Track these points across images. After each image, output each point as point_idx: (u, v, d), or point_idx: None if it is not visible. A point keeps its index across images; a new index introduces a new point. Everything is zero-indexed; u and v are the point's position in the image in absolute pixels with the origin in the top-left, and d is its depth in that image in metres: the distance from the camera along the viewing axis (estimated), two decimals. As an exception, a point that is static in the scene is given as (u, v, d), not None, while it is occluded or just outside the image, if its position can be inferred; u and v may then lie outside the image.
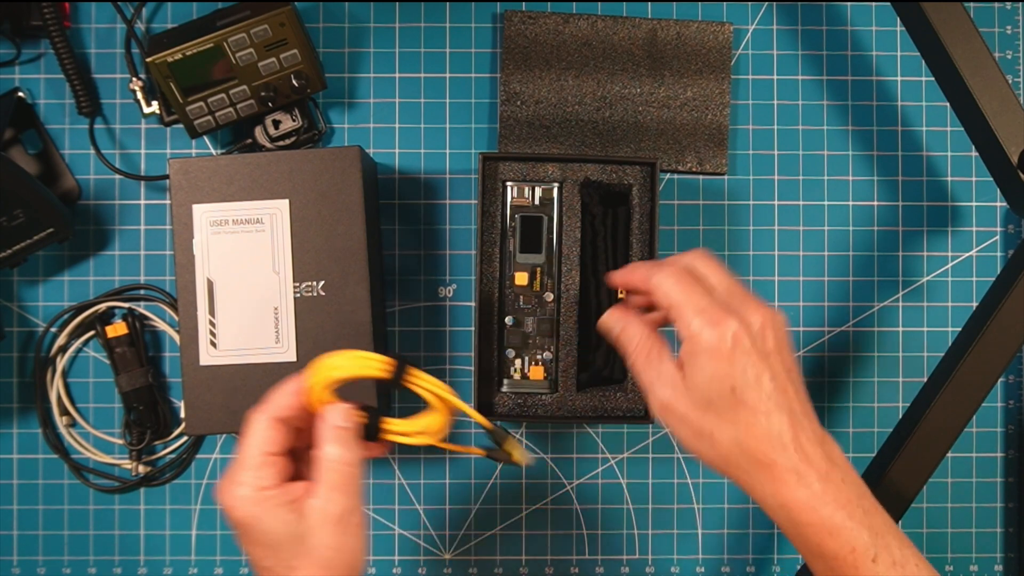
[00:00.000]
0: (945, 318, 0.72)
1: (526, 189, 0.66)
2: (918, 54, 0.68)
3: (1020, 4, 0.72)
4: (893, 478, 0.60)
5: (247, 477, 0.49)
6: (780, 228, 0.72)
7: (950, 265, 0.72)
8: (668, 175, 0.71)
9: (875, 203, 0.72)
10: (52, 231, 0.65)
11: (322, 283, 0.62)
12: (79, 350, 0.70)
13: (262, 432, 0.50)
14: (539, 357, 0.66)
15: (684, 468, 0.72)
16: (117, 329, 0.69)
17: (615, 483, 0.71)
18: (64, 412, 0.70)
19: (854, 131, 0.72)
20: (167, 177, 0.65)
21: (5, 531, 0.70)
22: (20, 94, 0.69)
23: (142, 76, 0.68)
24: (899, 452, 0.60)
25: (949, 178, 0.72)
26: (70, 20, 0.69)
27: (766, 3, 0.72)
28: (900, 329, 0.72)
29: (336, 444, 0.50)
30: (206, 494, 0.71)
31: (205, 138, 0.70)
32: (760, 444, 0.49)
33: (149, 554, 0.71)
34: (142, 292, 0.70)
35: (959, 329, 0.64)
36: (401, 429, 0.53)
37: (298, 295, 0.62)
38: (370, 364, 0.51)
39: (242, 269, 0.62)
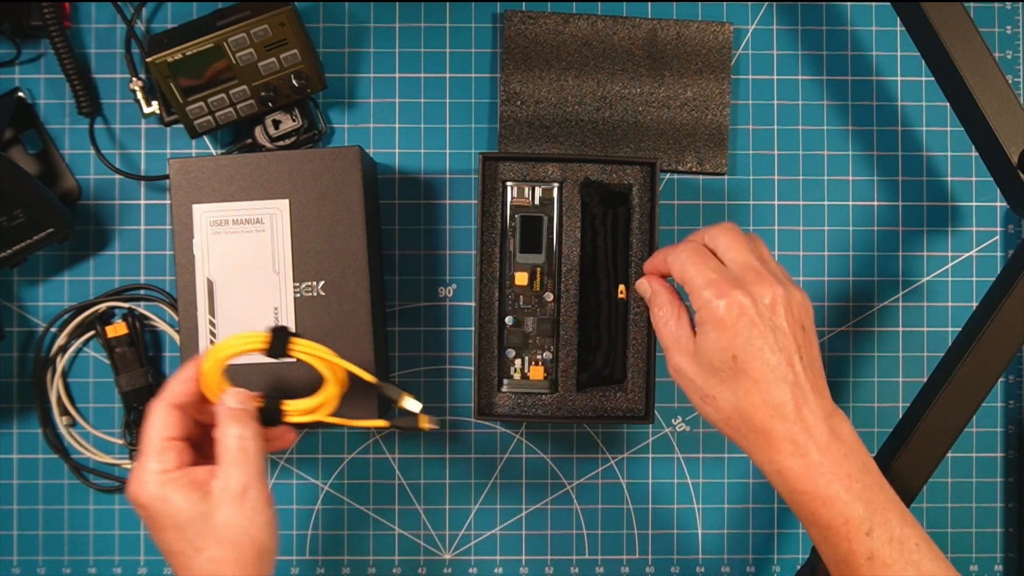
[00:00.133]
0: (945, 318, 0.72)
1: (526, 189, 0.66)
2: (918, 54, 0.68)
3: (1020, 4, 0.72)
4: (893, 478, 0.60)
5: (150, 463, 0.52)
6: (780, 228, 0.72)
7: (950, 265, 0.72)
8: (668, 175, 0.71)
9: (875, 203, 0.72)
10: (52, 231, 0.65)
11: (322, 283, 0.62)
12: (79, 350, 0.70)
13: (161, 419, 0.53)
14: (539, 357, 0.66)
15: (684, 468, 0.72)
16: (117, 329, 0.69)
17: (615, 483, 0.71)
18: (64, 412, 0.70)
19: (854, 131, 0.72)
20: (167, 177, 0.65)
21: (5, 531, 0.70)
22: (20, 94, 0.69)
23: (142, 76, 0.68)
24: (899, 452, 0.60)
25: (949, 178, 0.72)
26: (70, 20, 0.69)
27: (766, 3, 0.72)
28: (900, 329, 0.72)
29: (232, 423, 0.52)
30: (206, 494, 0.71)
31: (205, 138, 0.70)
32: (758, 412, 0.51)
33: (149, 554, 0.71)
34: (142, 292, 0.70)
35: (959, 329, 0.64)
36: (299, 408, 0.55)
37: (298, 295, 0.62)
38: (250, 339, 0.54)
39: (242, 269, 0.62)
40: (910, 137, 0.72)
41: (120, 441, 0.70)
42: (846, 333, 0.72)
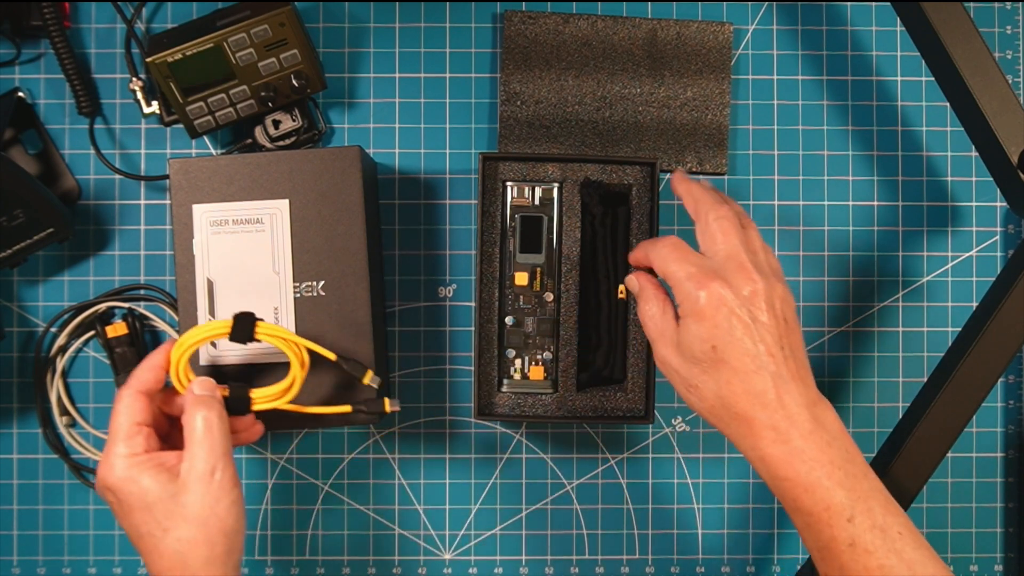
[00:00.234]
0: (945, 318, 0.72)
1: (526, 189, 0.66)
2: (918, 54, 0.68)
3: (1020, 4, 0.72)
4: (893, 478, 0.60)
5: (118, 448, 0.53)
6: (780, 228, 0.72)
7: (950, 265, 0.72)
8: (668, 175, 0.71)
9: (875, 203, 0.72)
10: (52, 231, 0.65)
11: (322, 283, 0.62)
12: (79, 350, 0.70)
13: (128, 405, 0.55)
14: (539, 357, 0.66)
15: (684, 468, 0.72)
16: (117, 329, 0.69)
17: (615, 483, 0.71)
18: (64, 412, 0.70)
19: (854, 131, 0.72)
20: (167, 177, 0.65)
21: (5, 531, 0.70)
22: (20, 94, 0.69)
23: (142, 76, 0.68)
24: (899, 452, 0.60)
25: (949, 178, 0.72)
26: (70, 20, 0.69)
27: (766, 3, 0.72)
28: (900, 329, 0.72)
29: (198, 407, 0.54)
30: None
31: (205, 138, 0.70)
32: (739, 400, 0.52)
33: (149, 554, 0.71)
34: (142, 292, 0.70)
35: (959, 329, 0.64)
36: (266, 394, 0.58)
37: (298, 295, 0.62)
38: (215, 327, 0.57)
39: (242, 269, 0.62)
40: (910, 137, 0.72)
41: (120, 441, 0.70)
42: (846, 333, 0.72)
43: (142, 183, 0.71)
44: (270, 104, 0.66)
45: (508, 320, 0.66)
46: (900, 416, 0.64)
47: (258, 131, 0.68)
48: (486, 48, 0.71)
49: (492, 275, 0.66)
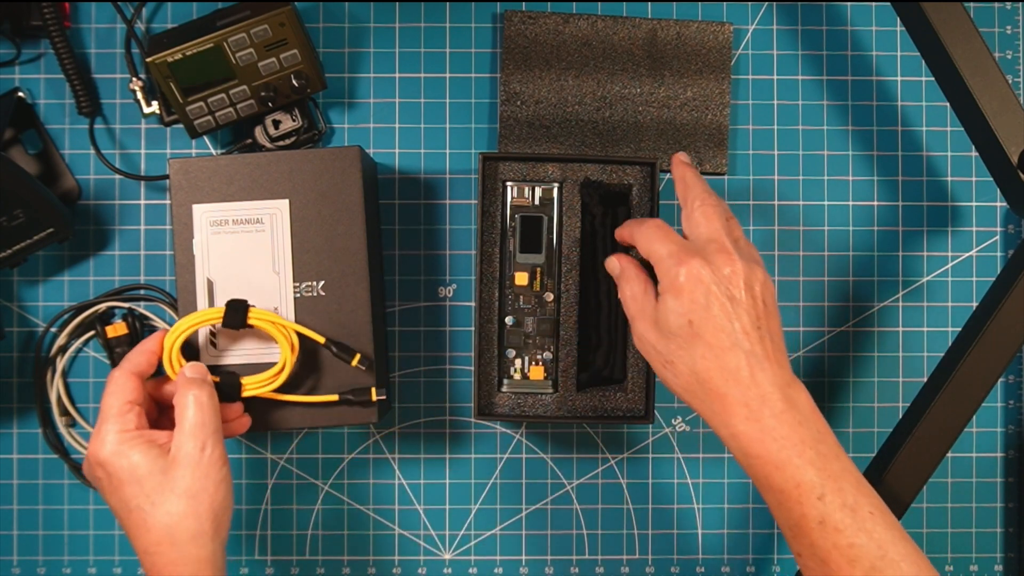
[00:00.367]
0: (945, 318, 0.72)
1: (526, 189, 0.66)
2: (918, 54, 0.68)
3: (1020, 4, 0.72)
4: (893, 478, 0.60)
5: (110, 425, 0.55)
6: (780, 228, 0.72)
7: (950, 265, 0.72)
8: (668, 175, 0.71)
9: (875, 203, 0.72)
10: (52, 231, 0.65)
11: (322, 283, 0.62)
12: (79, 350, 0.70)
13: (121, 385, 0.56)
14: (539, 357, 0.66)
15: (684, 468, 0.72)
16: (117, 329, 0.69)
17: (615, 483, 0.71)
18: (64, 412, 0.70)
19: (854, 131, 0.72)
20: (167, 177, 0.65)
21: (5, 531, 0.70)
22: (20, 94, 0.69)
23: (142, 76, 0.68)
24: (899, 452, 0.60)
25: (949, 178, 0.72)
26: (70, 20, 0.69)
27: (766, 3, 0.72)
28: (900, 329, 0.72)
29: (189, 387, 0.56)
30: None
31: (205, 138, 0.70)
32: (713, 376, 0.53)
33: (149, 554, 0.71)
34: (142, 292, 0.70)
35: (959, 329, 0.64)
36: (256, 380, 0.60)
37: (298, 295, 0.62)
38: (208, 314, 0.59)
39: (242, 269, 0.62)
40: (910, 137, 0.72)
41: (120, 441, 0.70)
42: (846, 333, 0.72)
43: (142, 183, 0.71)
44: (270, 104, 0.66)
45: (508, 320, 0.66)
46: (900, 416, 0.64)
47: (258, 131, 0.68)
48: (486, 48, 0.71)
49: (492, 275, 0.66)
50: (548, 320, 0.66)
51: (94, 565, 0.71)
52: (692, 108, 0.70)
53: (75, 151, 0.70)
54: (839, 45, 0.72)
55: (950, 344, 0.63)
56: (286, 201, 0.62)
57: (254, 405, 0.61)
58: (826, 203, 0.72)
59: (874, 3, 0.72)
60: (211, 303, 0.62)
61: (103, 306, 0.69)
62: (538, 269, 0.66)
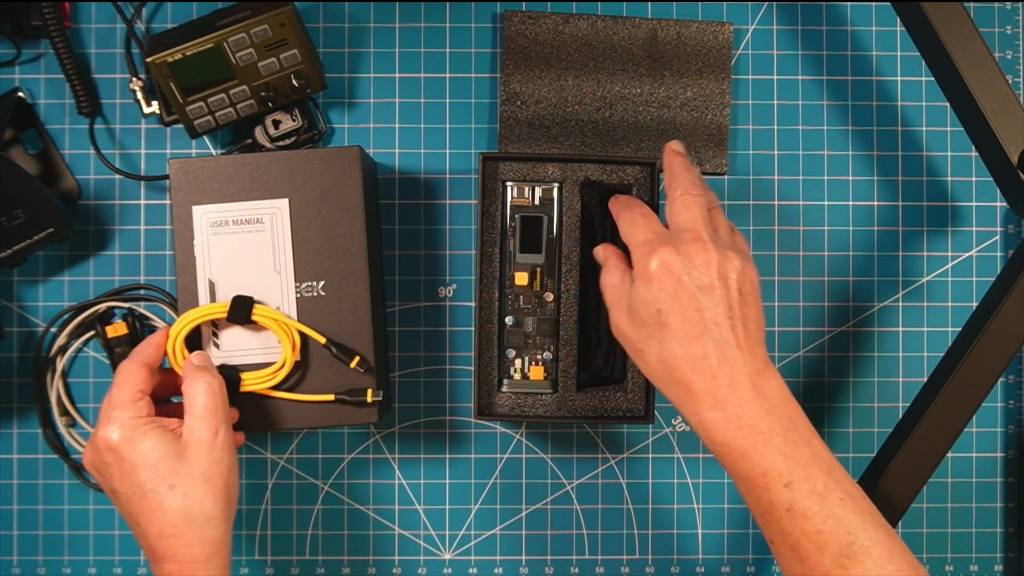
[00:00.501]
0: (945, 318, 0.72)
1: (526, 189, 0.66)
2: (918, 54, 0.68)
3: (1020, 4, 0.72)
4: (893, 478, 0.60)
5: (122, 412, 0.56)
6: (780, 228, 0.72)
7: (950, 265, 0.72)
8: (668, 175, 0.71)
9: (875, 203, 0.72)
10: (52, 231, 0.65)
11: (322, 283, 0.62)
12: (79, 350, 0.70)
13: (131, 374, 0.57)
14: (539, 357, 0.66)
15: (684, 468, 0.72)
16: (117, 329, 0.69)
17: (615, 483, 0.71)
18: (64, 412, 0.70)
19: (854, 131, 0.72)
20: (167, 177, 0.65)
21: (5, 531, 0.70)
22: (20, 94, 0.69)
23: (142, 76, 0.68)
24: (899, 452, 0.60)
25: (949, 178, 0.72)
26: (70, 20, 0.69)
27: (766, 3, 0.72)
28: (900, 329, 0.72)
29: (198, 374, 0.57)
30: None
31: (205, 138, 0.70)
32: (680, 364, 0.53)
33: (149, 554, 0.71)
34: (142, 292, 0.70)
35: (959, 329, 0.64)
36: (256, 376, 0.61)
37: (298, 295, 0.62)
38: (213, 308, 0.60)
39: (244, 270, 0.62)
40: (910, 137, 0.72)
41: (120, 441, 0.70)
42: (846, 333, 0.72)
43: (142, 183, 0.71)
44: (270, 104, 0.66)
45: (508, 320, 0.66)
46: (900, 416, 0.64)
47: (258, 131, 0.68)
48: (486, 48, 0.71)
49: (492, 275, 0.66)
50: (548, 320, 0.66)
51: (94, 565, 0.71)
52: (692, 108, 0.70)
53: (75, 151, 0.70)
54: (839, 45, 0.72)
55: (950, 344, 0.63)
56: (286, 201, 0.62)
57: (254, 405, 0.61)
58: (826, 203, 0.72)
59: (874, 3, 0.72)
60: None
61: (103, 306, 0.69)
62: (538, 269, 0.66)
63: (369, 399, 0.61)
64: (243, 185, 0.62)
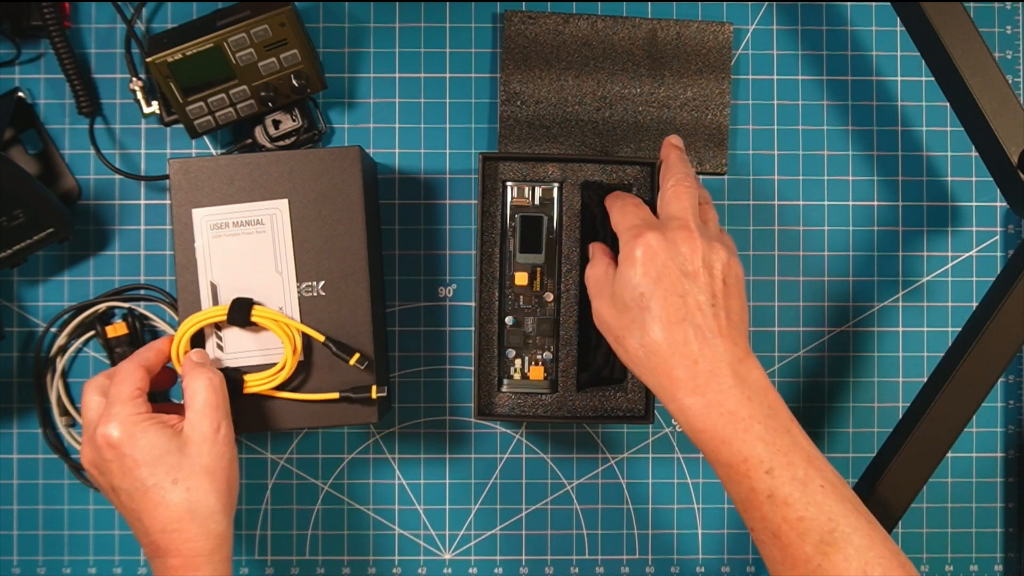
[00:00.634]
0: (945, 318, 0.72)
1: (526, 189, 0.66)
2: (918, 54, 0.68)
3: (1020, 4, 0.72)
4: (893, 478, 0.60)
5: (121, 408, 0.56)
6: (780, 228, 0.72)
7: (950, 265, 0.72)
8: (668, 175, 0.71)
9: (875, 203, 0.72)
10: (52, 231, 0.65)
11: (322, 283, 0.62)
12: (79, 350, 0.70)
13: (131, 373, 0.57)
14: (539, 357, 0.66)
15: (684, 468, 0.72)
16: (117, 329, 0.69)
17: (615, 483, 0.71)
18: (64, 412, 0.70)
19: (854, 131, 0.72)
20: (167, 177, 0.65)
21: (5, 531, 0.70)
22: (20, 94, 0.69)
23: (142, 76, 0.68)
24: (899, 452, 0.60)
25: (949, 178, 0.72)
26: (70, 20, 0.69)
27: (766, 3, 0.72)
28: (900, 329, 0.72)
29: (199, 371, 0.57)
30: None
31: (205, 138, 0.70)
32: (661, 349, 0.53)
33: (149, 554, 0.71)
34: (142, 292, 0.70)
35: (959, 329, 0.64)
36: (258, 377, 0.61)
37: (299, 295, 0.62)
38: (214, 311, 0.60)
39: (245, 271, 0.62)
40: (910, 137, 0.72)
41: (120, 441, 0.70)
42: (846, 333, 0.72)
43: (142, 183, 0.71)
44: (270, 104, 0.66)
45: (508, 320, 0.66)
46: (900, 416, 0.64)
47: (258, 131, 0.68)
48: (486, 48, 0.71)
49: (492, 275, 0.66)
50: (548, 320, 0.66)
51: (94, 565, 0.71)
52: (692, 108, 0.70)
53: (75, 151, 0.70)
54: (839, 45, 0.72)
55: (950, 344, 0.63)
56: (285, 201, 0.62)
57: (255, 405, 0.61)
58: (826, 203, 0.72)
59: (874, 3, 0.72)
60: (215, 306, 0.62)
61: (103, 306, 0.69)
62: (538, 269, 0.66)
63: (374, 395, 0.61)
64: (243, 185, 0.62)
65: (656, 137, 0.70)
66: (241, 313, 0.60)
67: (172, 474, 0.55)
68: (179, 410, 0.59)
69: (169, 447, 0.55)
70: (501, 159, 0.66)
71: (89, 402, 0.58)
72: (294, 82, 0.65)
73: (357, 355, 0.60)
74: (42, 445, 0.70)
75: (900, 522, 0.64)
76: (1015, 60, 0.72)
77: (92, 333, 0.70)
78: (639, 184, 0.66)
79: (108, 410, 0.56)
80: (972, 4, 0.72)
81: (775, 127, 0.72)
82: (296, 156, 0.62)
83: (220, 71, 0.64)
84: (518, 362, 0.66)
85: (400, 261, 0.71)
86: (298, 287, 0.62)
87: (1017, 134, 0.58)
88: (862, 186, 0.72)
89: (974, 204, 0.72)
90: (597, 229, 0.67)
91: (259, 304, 0.61)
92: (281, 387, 0.61)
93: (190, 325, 0.60)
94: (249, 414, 0.61)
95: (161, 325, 0.70)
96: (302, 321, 0.61)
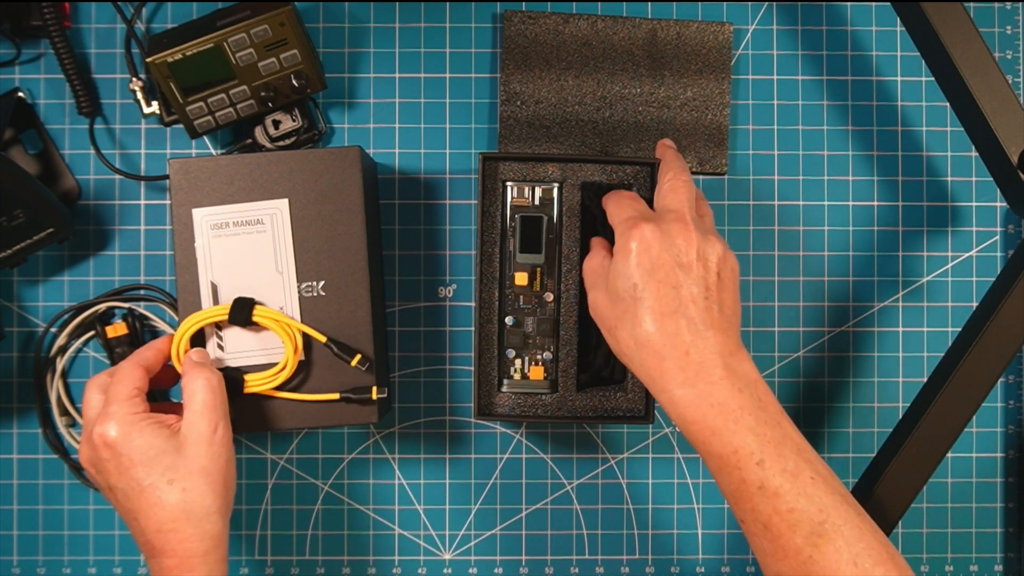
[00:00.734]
0: (945, 318, 0.72)
1: (526, 189, 0.66)
2: (918, 54, 0.68)
3: (1020, 4, 0.72)
4: (893, 478, 0.60)
5: (118, 407, 0.56)
6: (780, 228, 0.72)
7: (950, 265, 0.72)
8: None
9: (875, 203, 0.72)
10: (52, 231, 0.65)
11: (322, 283, 0.62)
12: (79, 350, 0.70)
13: (129, 372, 0.57)
14: (539, 357, 0.66)
15: (684, 468, 0.72)
16: (117, 329, 0.69)
17: (615, 483, 0.71)
18: (64, 412, 0.70)
19: (854, 131, 0.72)
20: (167, 177, 0.65)
21: (5, 531, 0.70)
22: (20, 94, 0.69)
23: (142, 76, 0.68)
24: (899, 452, 0.60)
25: (949, 178, 0.72)
26: (70, 20, 0.69)
27: (766, 3, 0.72)
28: (900, 329, 0.72)
29: (198, 370, 0.57)
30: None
31: (205, 138, 0.70)
32: (653, 340, 0.53)
33: (149, 554, 0.71)
34: (142, 292, 0.70)
35: (959, 329, 0.64)
36: (259, 377, 0.61)
37: (299, 295, 0.62)
38: (215, 311, 0.60)
39: (245, 271, 0.62)
40: (910, 137, 0.72)
41: (120, 441, 0.70)
42: (846, 333, 0.72)
43: (142, 183, 0.71)
44: (270, 104, 0.66)
45: (508, 320, 0.66)
46: (900, 416, 0.64)
47: (258, 131, 0.68)
48: (486, 48, 0.71)
49: (492, 275, 0.66)
50: (548, 320, 0.66)
51: (94, 565, 0.71)
52: (692, 108, 0.70)
53: (75, 151, 0.70)
54: (839, 45, 0.72)
55: (950, 344, 0.63)
56: (285, 201, 0.62)
57: (255, 405, 0.61)
58: (826, 203, 0.72)
59: (874, 3, 0.72)
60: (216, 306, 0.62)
61: (103, 306, 0.69)
62: (538, 269, 0.66)
63: (374, 396, 0.61)
64: (243, 185, 0.62)
65: (656, 137, 0.70)
66: (243, 313, 0.60)
67: (168, 474, 0.55)
68: (178, 410, 0.59)
69: (166, 447, 0.55)
70: (501, 159, 0.66)
71: (90, 400, 0.58)
72: (294, 82, 0.65)
73: (359, 356, 0.60)
74: (42, 445, 0.70)
75: (900, 522, 0.64)
76: (1015, 60, 0.72)
77: (92, 333, 0.70)
78: (639, 184, 0.66)
79: (105, 409, 0.56)
80: (972, 4, 0.72)
81: (775, 127, 0.72)
82: (296, 156, 0.62)
83: (220, 71, 0.64)
84: (518, 362, 0.66)
85: (400, 261, 0.71)
86: (298, 287, 0.62)
87: (1017, 134, 0.58)
88: (862, 186, 0.72)
89: (974, 204, 0.72)
90: (597, 229, 0.67)
91: (261, 304, 0.61)
92: (281, 387, 0.61)
93: (190, 324, 0.60)
94: (249, 414, 0.61)
95: (161, 325, 0.70)
96: (302, 321, 0.61)
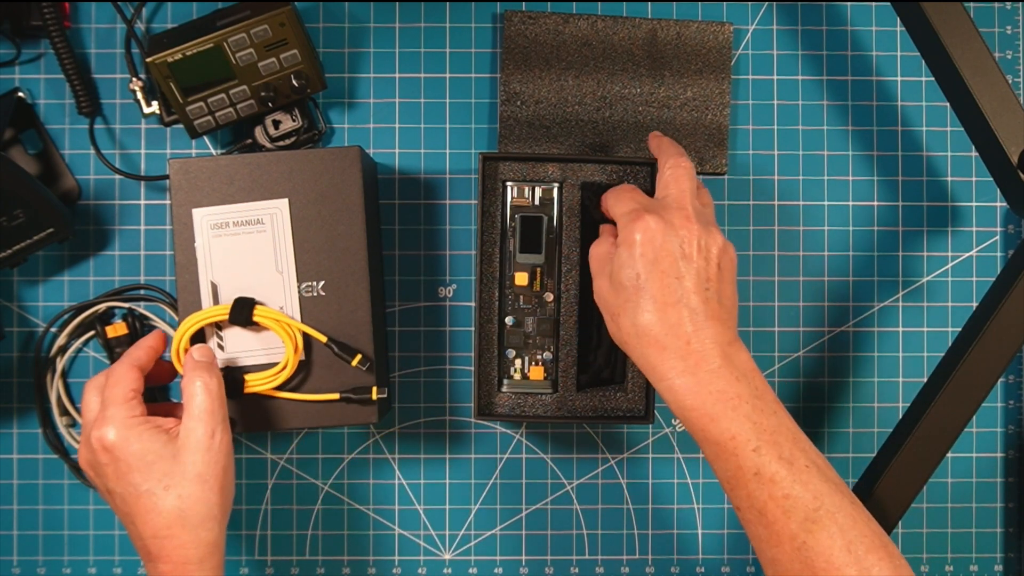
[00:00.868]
0: (945, 318, 0.72)
1: (526, 189, 0.66)
2: (918, 54, 0.68)
3: (1020, 4, 0.72)
4: (893, 478, 0.60)
5: (116, 410, 0.55)
6: (780, 228, 0.72)
7: (950, 265, 0.72)
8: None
9: (875, 203, 0.72)
10: (52, 231, 0.65)
11: (322, 283, 0.62)
12: (79, 350, 0.70)
13: (124, 375, 0.57)
14: (539, 357, 0.66)
15: (684, 468, 0.72)
16: (117, 329, 0.69)
17: (615, 483, 0.71)
18: (64, 412, 0.70)
19: (854, 131, 0.72)
20: (167, 177, 0.65)
21: (5, 531, 0.70)
22: (20, 94, 0.69)
23: (142, 76, 0.68)
24: (899, 452, 0.60)
25: (949, 178, 0.72)
26: (70, 20, 0.69)
27: (766, 3, 0.72)
28: (900, 329, 0.72)
29: (197, 371, 0.56)
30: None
31: (205, 138, 0.70)
32: (653, 328, 0.54)
33: (149, 554, 0.71)
34: (142, 292, 0.70)
35: (959, 329, 0.64)
36: (259, 377, 0.61)
37: (299, 295, 0.62)
38: (215, 311, 0.60)
39: (245, 270, 0.62)
40: (910, 137, 0.72)
41: (120, 441, 0.70)
42: (846, 333, 0.72)
43: (142, 183, 0.71)
44: (270, 104, 0.66)
45: (508, 320, 0.66)
46: (900, 416, 0.64)
47: (258, 131, 0.68)
48: (486, 48, 0.71)
49: (492, 275, 0.66)
50: (548, 320, 0.66)
51: (94, 565, 0.71)
52: (692, 108, 0.70)
53: (75, 151, 0.70)
54: (839, 45, 0.72)
55: (950, 344, 0.63)
56: (285, 201, 0.62)
57: (255, 405, 0.61)
58: (826, 203, 0.72)
59: (874, 3, 0.72)
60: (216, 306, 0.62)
61: (103, 306, 0.69)
62: (538, 269, 0.66)
63: (374, 396, 0.61)
64: (243, 185, 0.62)
65: (656, 137, 0.70)
66: (243, 313, 0.60)
67: (165, 480, 0.54)
68: (177, 411, 0.59)
69: (163, 453, 0.55)
70: (501, 159, 0.66)
71: (89, 402, 0.58)
72: (294, 82, 0.65)
73: (359, 356, 0.60)
74: (42, 445, 0.70)
75: (900, 522, 0.64)
76: (1015, 60, 0.72)
77: (92, 333, 0.70)
78: (639, 184, 0.66)
79: (102, 413, 0.56)
80: (972, 4, 0.72)
81: (775, 127, 0.72)
82: (296, 156, 0.62)
83: (220, 71, 0.64)
84: (518, 362, 0.66)
85: (400, 261, 0.71)
86: (298, 287, 0.62)
87: (1017, 134, 0.58)
88: (862, 186, 0.72)
89: (974, 204, 0.72)
90: (597, 229, 0.67)
91: (261, 304, 0.61)
92: (281, 387, 0.61)
93: (190, 324, 0.60)
94: (250, 414, 0.61)
95: (161, 325, 0.70)
96: (303, 321, 0.61)
